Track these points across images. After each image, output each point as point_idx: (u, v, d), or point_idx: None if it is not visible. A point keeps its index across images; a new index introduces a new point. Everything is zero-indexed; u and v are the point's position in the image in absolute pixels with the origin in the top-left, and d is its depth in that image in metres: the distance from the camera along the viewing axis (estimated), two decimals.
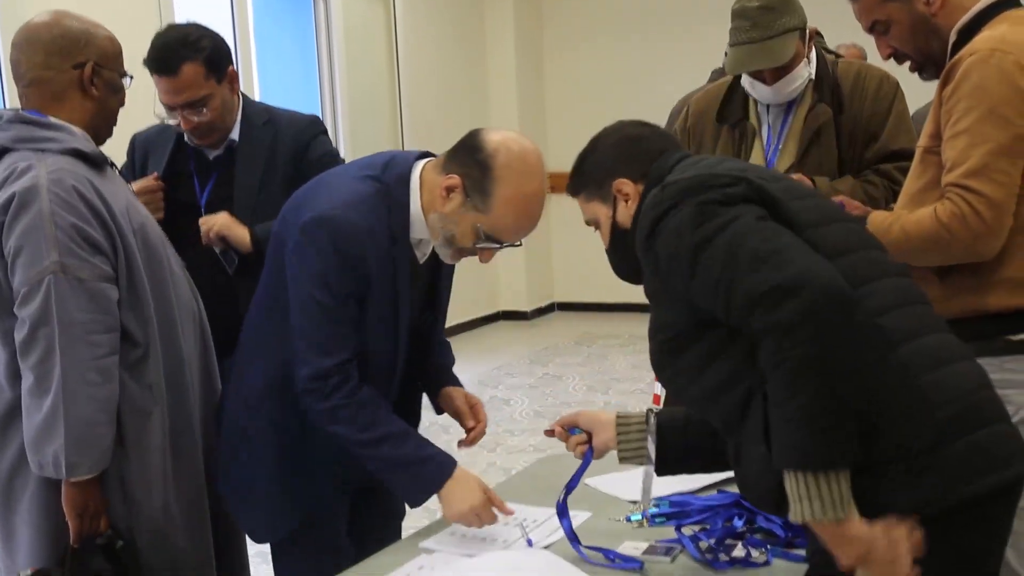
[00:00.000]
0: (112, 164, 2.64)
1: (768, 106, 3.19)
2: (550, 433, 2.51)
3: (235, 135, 3.18)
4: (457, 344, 9.55)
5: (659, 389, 4.01)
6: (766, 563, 2.25)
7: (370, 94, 8.31)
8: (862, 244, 1.96)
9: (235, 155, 3.18)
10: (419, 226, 2.43)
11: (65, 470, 2.41)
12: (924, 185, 2.52)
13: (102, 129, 2.64)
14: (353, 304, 2.40)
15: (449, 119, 8.82)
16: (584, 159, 2.21)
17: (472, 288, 8.82)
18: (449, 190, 2.36)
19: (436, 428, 3.19)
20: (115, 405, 2.48)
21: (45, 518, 2.53)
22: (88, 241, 2.43)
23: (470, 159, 2.35)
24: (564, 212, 2.23)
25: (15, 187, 2.41)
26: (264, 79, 7.29)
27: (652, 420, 2.31)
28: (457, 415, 2.75)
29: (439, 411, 2.79)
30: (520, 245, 2.44)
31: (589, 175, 2.19)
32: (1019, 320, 2.42)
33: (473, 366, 7.84)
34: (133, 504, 2.55)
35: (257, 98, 7.07)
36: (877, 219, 2.49)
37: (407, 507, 2.85)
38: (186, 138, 3.18)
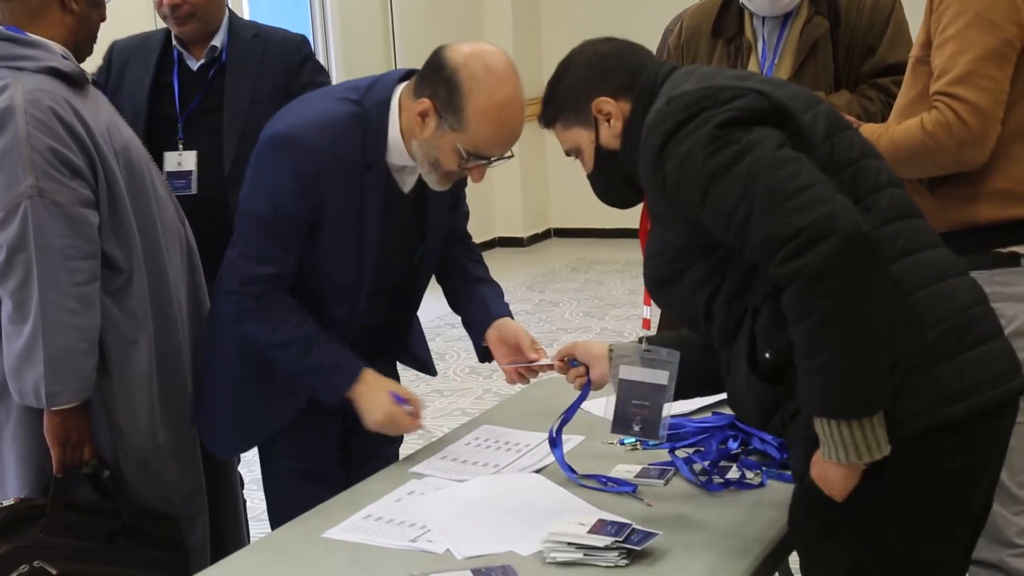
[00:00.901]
0: (94, 82, 2.57)
1: (764, 19, 3.11)
2: (550, 367, 2.46)
3: (218, 42, 3.13)
4: None
5: (648, 313, 3.97)
6: (761, 485, 2.23)
7: (361, 14, 8.17)
8: (866, 153, 1.90)
9: (222, 66, 3.13)
10: (399, 152, 2.37)
11: (45, 399, 2.38)
12: (915, 96, 2.48)
13: (83, 45, 2.57)
14: (298, 226, 2.37)
15: (442, 38, 8.69)
16: (556, 85, 2.09)
17: None
18: (423, 116, 2.28)
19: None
20: (96, 333, 2.43)
21: (29, 447, 2.50)
22: (66, 164, 2.37)
23: (436, 79, 2.27)
24: None
25: None
26: (255, 7, 7.17)
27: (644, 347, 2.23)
28: (517, 349, 2.53)
29: (484, 358, 2.62)
30: (512, 156, 2.35)
31: (564, 100, 2.07)
32: (1008, 232, 2.39)
33: None
34: (119, 433, 2.52)
35: (246, 15, 7.02)
36: (866, 131, 2.43)
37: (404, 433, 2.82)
38: (173, 40, 3.13)
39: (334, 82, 3.28)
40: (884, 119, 2.82)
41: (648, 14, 6.87)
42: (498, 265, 8.86)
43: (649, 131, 1.88)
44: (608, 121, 2.03)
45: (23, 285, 2.35)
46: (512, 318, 2.62)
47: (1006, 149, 2.35)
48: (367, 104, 2.36)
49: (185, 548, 2.61)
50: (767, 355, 1.83)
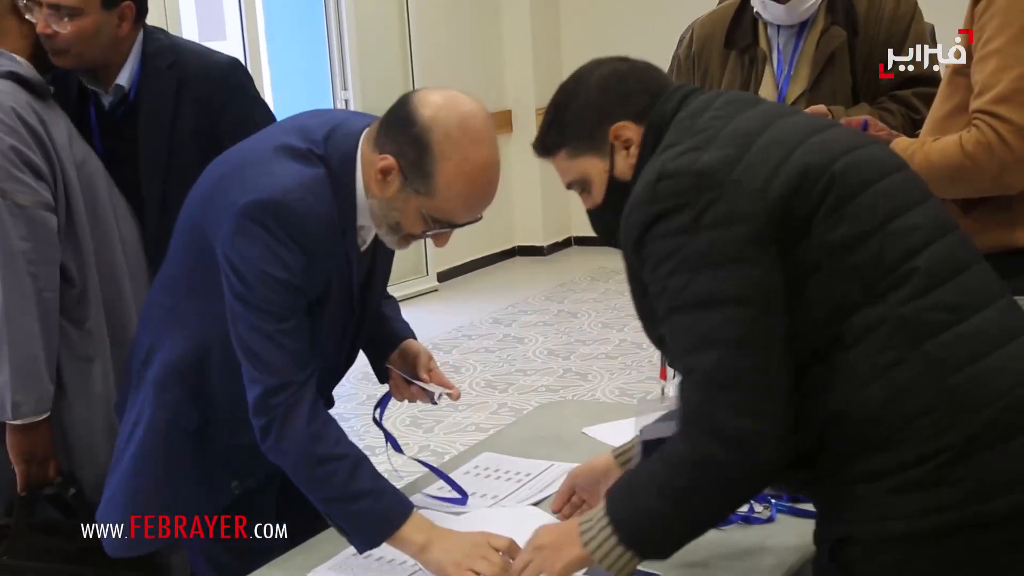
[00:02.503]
0: (55, 95, 2.54)
1: (779, 29, 3.01)
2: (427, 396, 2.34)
3: (124, 80, 2.65)
4: (472, 281, 9.51)
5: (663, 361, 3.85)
6: (770, 519, 2.12)
7: (378, 23, 8.11)
8: (900, 207, 1.67)
9: (130, 107, 2.69)
10: (365, 213, 2.09)
11: (10, 409, 2.32)
12: (951, 109, 2.36)
13: (44, 54, 2.51)
14: (303, 300, 2.04)
15: (461, 49, 8.64)
16: (565, 107, 1.85)
17: (487, 223, 8.56)
18: (385, 173, 2.00)
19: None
20: (56, 344, 2.39)
21: None
22: (28, 165, 2.35)
23: (403, 135, 1.98)
24: None
25: None
26: (270, 12, 7.11)
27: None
28: (413, 368, 2.37)
29: (383, 379, 2.41)
30: (480, 219, 2.10)
31: (575, 125, 1.84)
32: None
33: (488, 304, 7.72)
34: (76, 454, 2.48)
35: (261, 33, 6.95)
36: (900, 146, 2.34)
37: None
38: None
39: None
40: (905, 132, 2.71)
41: (669, 25, 6.77)
42: (517, 275, 8.96)
43: (634, 207, 1.69)
44: (627, 148, 1.81)
45: None
46: (415, 338, 2.43)
47: None
48: (332, 159, 2.06)
49: (166, 570, 2.53)
50: None
